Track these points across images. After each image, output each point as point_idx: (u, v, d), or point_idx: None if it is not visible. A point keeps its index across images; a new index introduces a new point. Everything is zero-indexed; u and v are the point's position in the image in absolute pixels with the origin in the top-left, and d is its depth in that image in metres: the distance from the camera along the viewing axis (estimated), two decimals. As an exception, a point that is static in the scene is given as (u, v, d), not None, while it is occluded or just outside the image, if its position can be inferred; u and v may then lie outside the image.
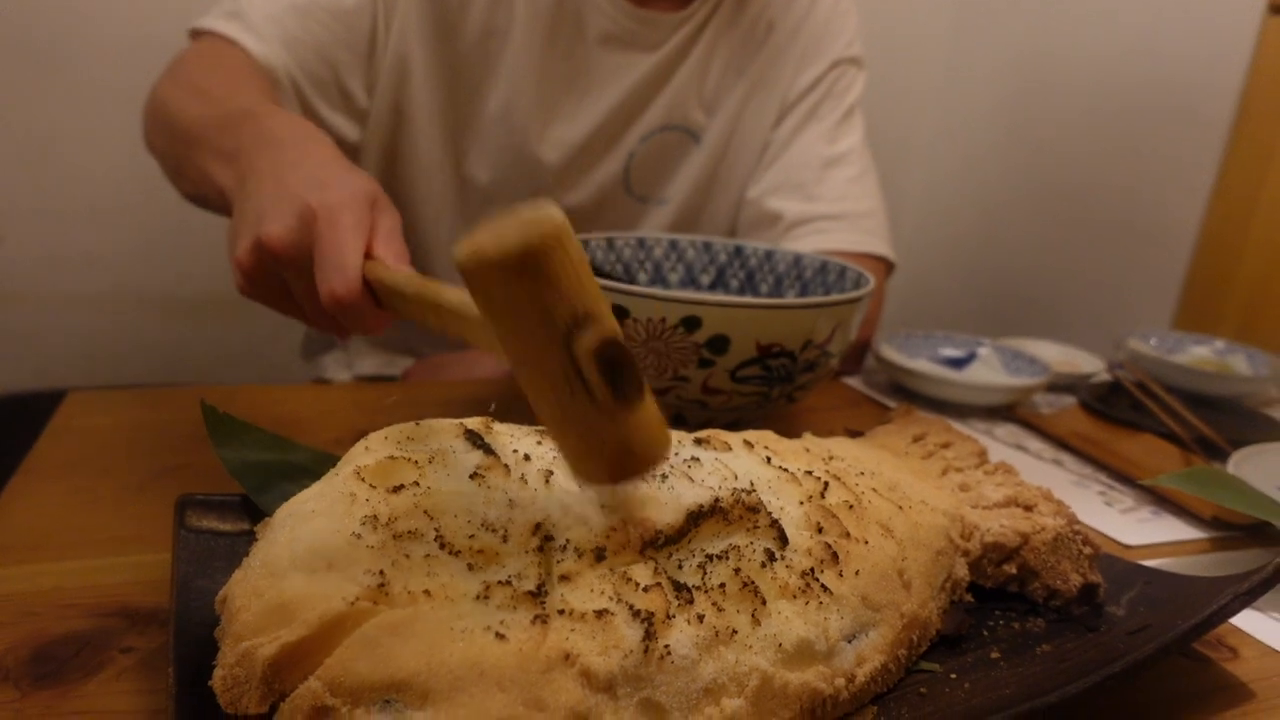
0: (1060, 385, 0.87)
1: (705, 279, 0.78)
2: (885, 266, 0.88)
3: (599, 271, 0.69)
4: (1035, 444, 0.73)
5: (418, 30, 0.82)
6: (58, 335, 1.33)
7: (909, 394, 0.81)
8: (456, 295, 0.39)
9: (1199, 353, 0.98)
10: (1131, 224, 1.34)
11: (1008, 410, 0.80)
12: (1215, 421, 0.76)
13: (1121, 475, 0.67)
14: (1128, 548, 0.57)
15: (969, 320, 1.66)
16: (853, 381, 0.84)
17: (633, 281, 0.75)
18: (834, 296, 0.58)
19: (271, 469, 0.43)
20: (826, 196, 0.86)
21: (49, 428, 0.59)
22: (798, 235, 0.85)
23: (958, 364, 0.87)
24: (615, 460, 0.33)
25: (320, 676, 0.28)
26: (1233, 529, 0.59)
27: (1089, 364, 0.91)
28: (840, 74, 0.91)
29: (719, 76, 0.90)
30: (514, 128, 0.85)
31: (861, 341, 0.87)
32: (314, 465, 0.44)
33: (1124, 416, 0.76)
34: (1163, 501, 0.63)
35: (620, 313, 0.56)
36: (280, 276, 0.49)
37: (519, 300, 0.30)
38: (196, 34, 0.77)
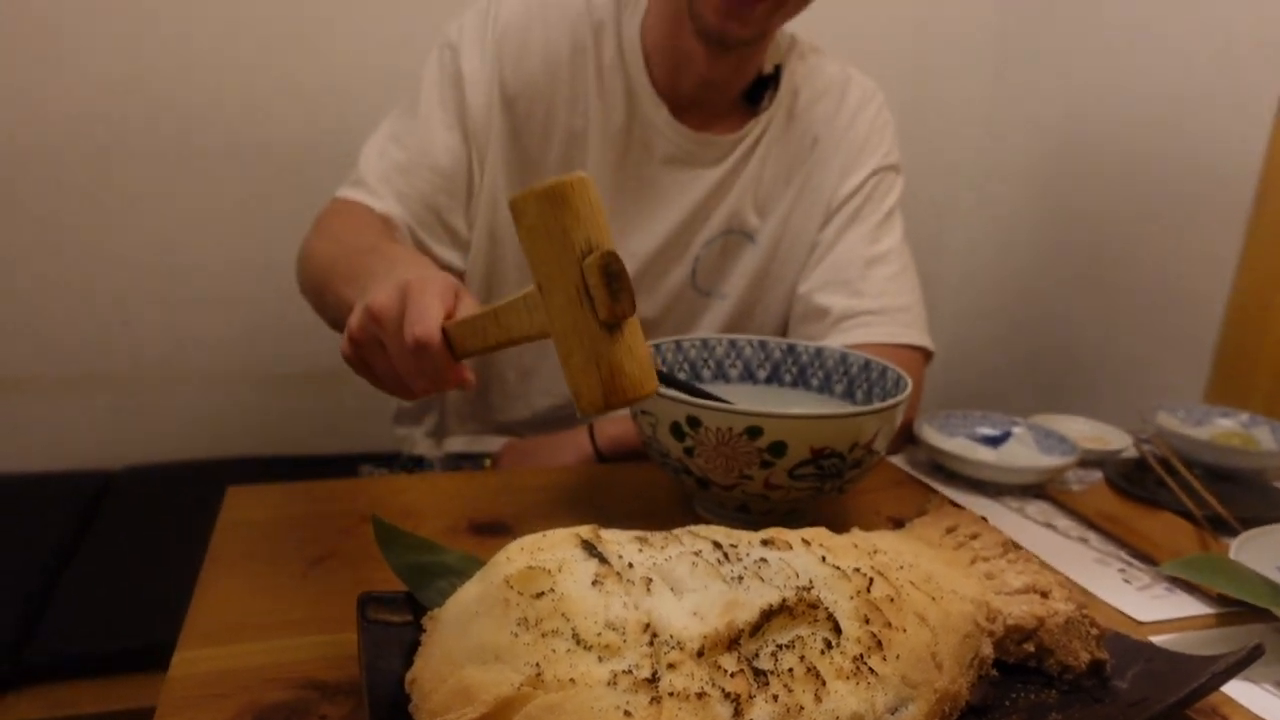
0: (1090, 460, 0.95)
1: (761, 374, 0.88)
2: (924, 355, 0.98)
3: (667, 378, 0.79)
4: (1064, 522, 0.82)
5: (504, 171, 0.96)
6: (179, 410, 1.49)
7: (948, 473, 0.90)
8: (507, 299, 0.52)
9: (1224, 425, 1.05)
10: (1163, 296, 1.41)
11: (1039, 488, 0.88)
12: (1232, 497, 0.84)
13: (1140, 553, 0.75)
14: (1141, 624, 0.65)
15: (1007, 389, 1.73)
16: (897, 460, 0.94)
17: (698, 377, 0.86)
18: (876, 405, 0.68)
19: (427, 569, 0.54)
20: (869, 293, 0.96)
21: (220, 521, 0.71)
22: (845, 328, 0.95)
23: (994, 442, 0.96)
24: (609, 379, 0.46)
25: (498, 744, 0.39)
26: (1237, 605, 0.67)
27: (1118, 439, 0.99)
28: (880, 180, 1.01)
29: (771, 184, 1.01)
30: None
31: (904, 425, 0.96)
32: (460, 565, 0.54)
33: (1145, 494, 0.84)
34: (1175, 579, 0.71)
35: (693, 422, 0.66)
36: (379, 341, 0.59)
37: (549, 222, 0.45)
38: (333, 200, 0.93)
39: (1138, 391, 1.42)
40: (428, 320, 0.55)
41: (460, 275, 0.99)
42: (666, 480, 0.80)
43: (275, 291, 1.40)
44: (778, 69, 1.00)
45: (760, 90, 1.00)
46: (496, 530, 0.72)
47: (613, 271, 0.45)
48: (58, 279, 1.42)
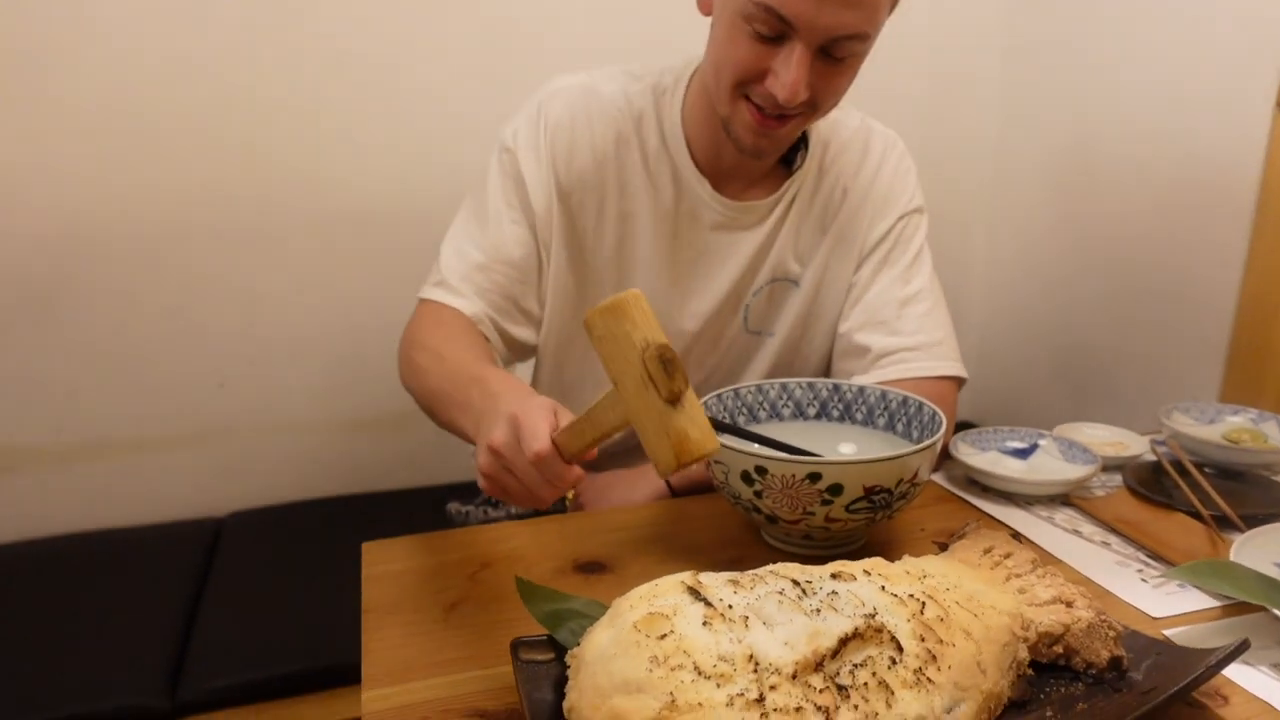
0: (1111, 466, 1.06)
1: (811, 411, 0.99)
2: (957, 383, 1.09)
3: (734, 428, 0.91)
4: (1088, 528, 0.93)
5: (565, 254, 1.08)
6: (276, 458, 1.63)
7: (982, 487, 1.01)
8: (593, 404, 0.66)
9: (1235, 422, 1.14)
10: (1177, 298, 1.51)
11: (1065, 496, 0.99)
12: (1241, 494, 0.94)
13: (1156, 554, 0.86)
14: (1156, 619, 0.76)
15: (1035, 396, 1.83)
16: (937, 477, 1.05)
17: (755, 419, 0.98)
18: (918, 446, 0.79)
19: (560, 614, 0.66)
20: (905, 331, 1.07)
21: (365, 575, 0.83)
22: (885, 364, 1.07)
23: (1022, 454, 1.07)
24: (678, 444, 0.59)
25: (648, 756, 0.51)
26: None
27: (1136, 444, 1.09)
28: (906, 223, 1.13)
29: (808, 235, 1.12)
30: (657, 311, 1.09)
31: (941, 448, 1.07)
32: (585, 609, 0.67)
33: (1160, 498, 0.95)
34: (1187, 576, 0.81)
35: (761, 471, 0.78)
36: (506, 469, 0.72)
37: (614, 329, 0.59)
38: (421, 301, 1.07)
39: (1158, 391, 1.51)
40: (540, 438, 0.68)
41: (534, 349, 1.12)
42: (736, 512, 0.92)
43: (355, 347, 1.55)
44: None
45: (793, 150, 1.11)
46: (598, 569, 0.84)
47: (666, 359, 0.60)
48: (162, 350, 1.57)
